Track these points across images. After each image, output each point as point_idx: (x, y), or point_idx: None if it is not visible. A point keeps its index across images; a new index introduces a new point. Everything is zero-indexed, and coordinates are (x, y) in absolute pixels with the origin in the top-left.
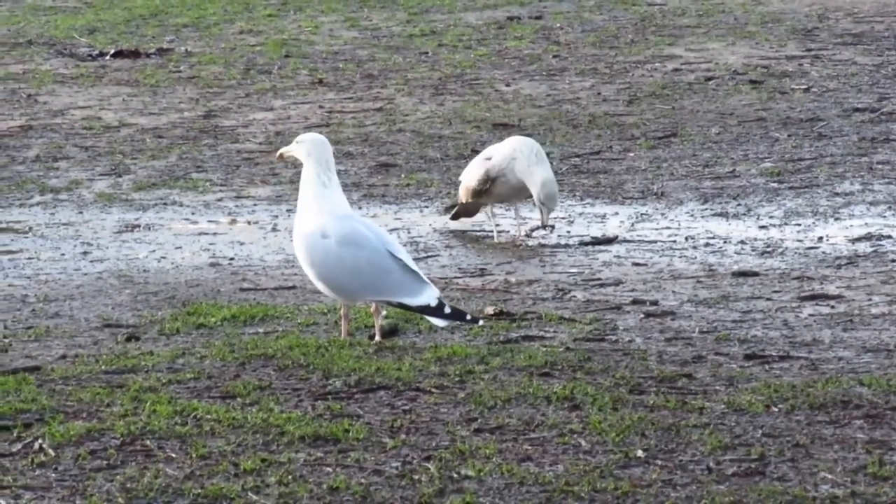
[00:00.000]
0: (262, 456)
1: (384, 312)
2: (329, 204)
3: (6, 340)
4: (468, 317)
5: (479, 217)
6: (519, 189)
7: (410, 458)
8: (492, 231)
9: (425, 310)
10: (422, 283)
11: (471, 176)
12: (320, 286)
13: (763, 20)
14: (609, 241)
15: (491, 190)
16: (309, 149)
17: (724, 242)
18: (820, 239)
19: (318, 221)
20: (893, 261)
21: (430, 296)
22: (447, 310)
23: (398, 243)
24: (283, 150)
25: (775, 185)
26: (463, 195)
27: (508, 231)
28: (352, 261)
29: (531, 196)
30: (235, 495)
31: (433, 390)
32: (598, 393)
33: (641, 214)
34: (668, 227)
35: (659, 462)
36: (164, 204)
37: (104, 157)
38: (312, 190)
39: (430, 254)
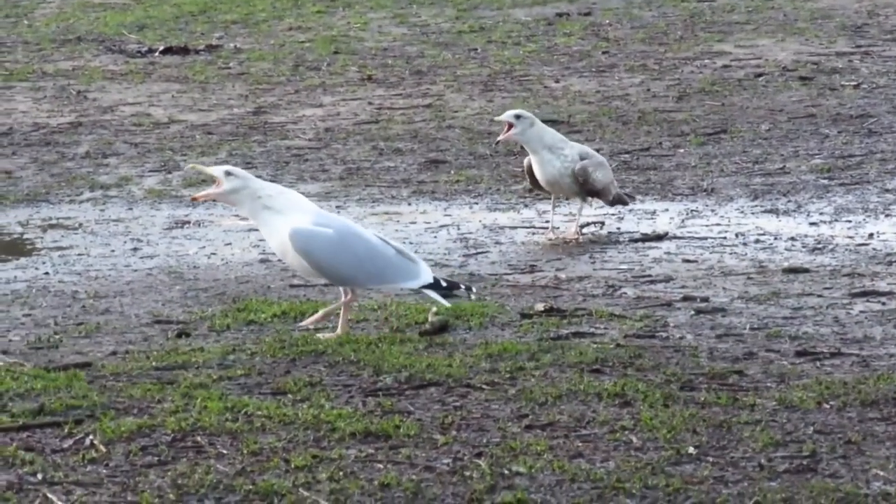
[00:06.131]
0: (314, 452)
1: (434, 308)
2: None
3: (57, 337)
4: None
5: (528, 213)
6: (553, 181)
7: (461, 455)
8: (543, 227)
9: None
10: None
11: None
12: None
13: (813, 16)
14: (659, 237)
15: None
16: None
17: (775, 239)
18: (871, 235)
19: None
20: None
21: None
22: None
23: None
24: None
25: (825, 181)
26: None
27: (559, 227)
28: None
29: (575, 188)
30: (287, 492)
31: (484, 387)
32: (648, 389)
33: (691, 211)
34: (719, 224)
35: (710, 459)
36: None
37: (154, 154)
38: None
39: (479, 250)
